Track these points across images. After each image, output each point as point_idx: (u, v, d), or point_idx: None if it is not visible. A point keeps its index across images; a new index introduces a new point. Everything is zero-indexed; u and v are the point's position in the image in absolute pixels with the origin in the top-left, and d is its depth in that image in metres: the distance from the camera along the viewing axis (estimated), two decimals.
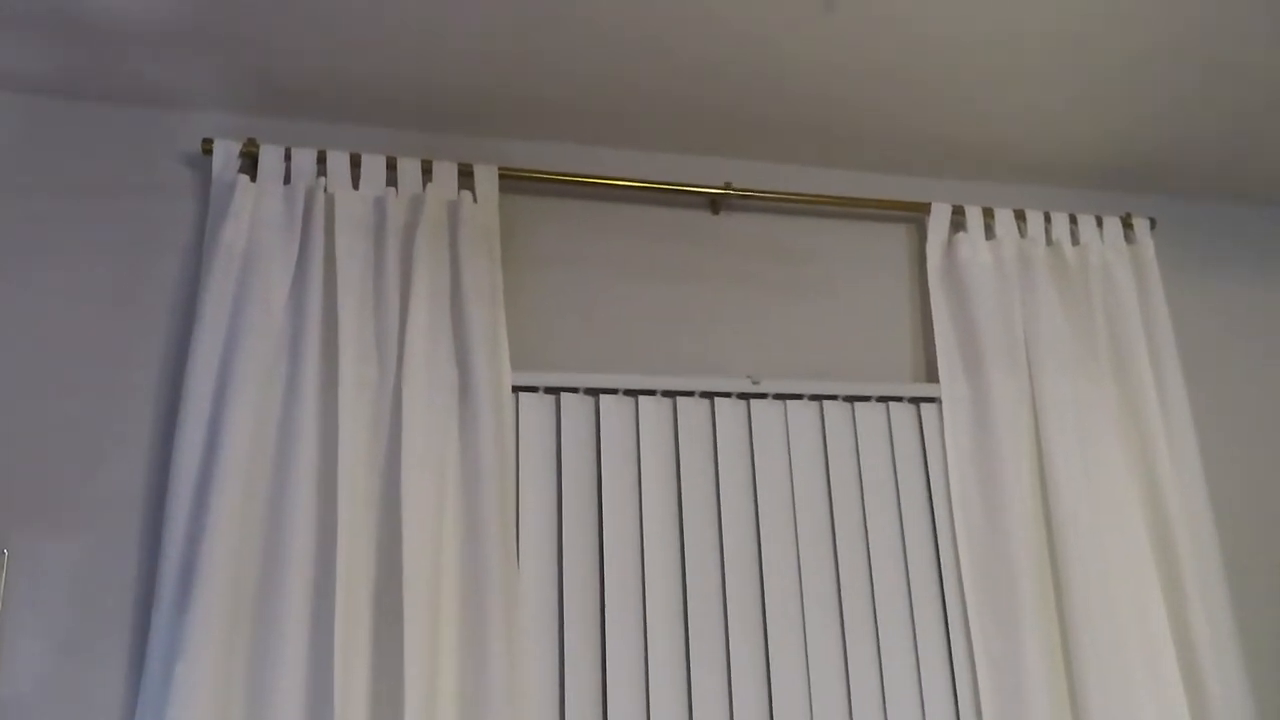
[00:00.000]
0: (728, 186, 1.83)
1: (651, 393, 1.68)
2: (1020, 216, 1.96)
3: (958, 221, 1.95)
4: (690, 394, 1.71)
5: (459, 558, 1.48)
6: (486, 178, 1.67)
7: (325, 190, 1.57)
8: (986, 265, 1.88)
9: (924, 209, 1.93)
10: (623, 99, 1.70)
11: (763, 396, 1.74)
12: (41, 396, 1.46)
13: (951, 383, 1.82)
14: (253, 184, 1.55)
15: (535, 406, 1.63)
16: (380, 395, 1.51)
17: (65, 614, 1.38)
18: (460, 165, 1.66)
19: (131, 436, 1.47)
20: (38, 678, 1.35)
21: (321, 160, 1.60)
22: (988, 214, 1.94)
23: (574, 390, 1.65)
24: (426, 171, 1.64)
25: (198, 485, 1.39)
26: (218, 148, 1.57)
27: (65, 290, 1.51)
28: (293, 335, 1.49)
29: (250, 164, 1.58)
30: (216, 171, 1.56)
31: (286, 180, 1.57)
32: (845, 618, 1.66)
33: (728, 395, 1.73)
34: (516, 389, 1.62)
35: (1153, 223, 2.04)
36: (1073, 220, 2.00)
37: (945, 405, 1.80)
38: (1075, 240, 2.00)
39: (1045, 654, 1.65)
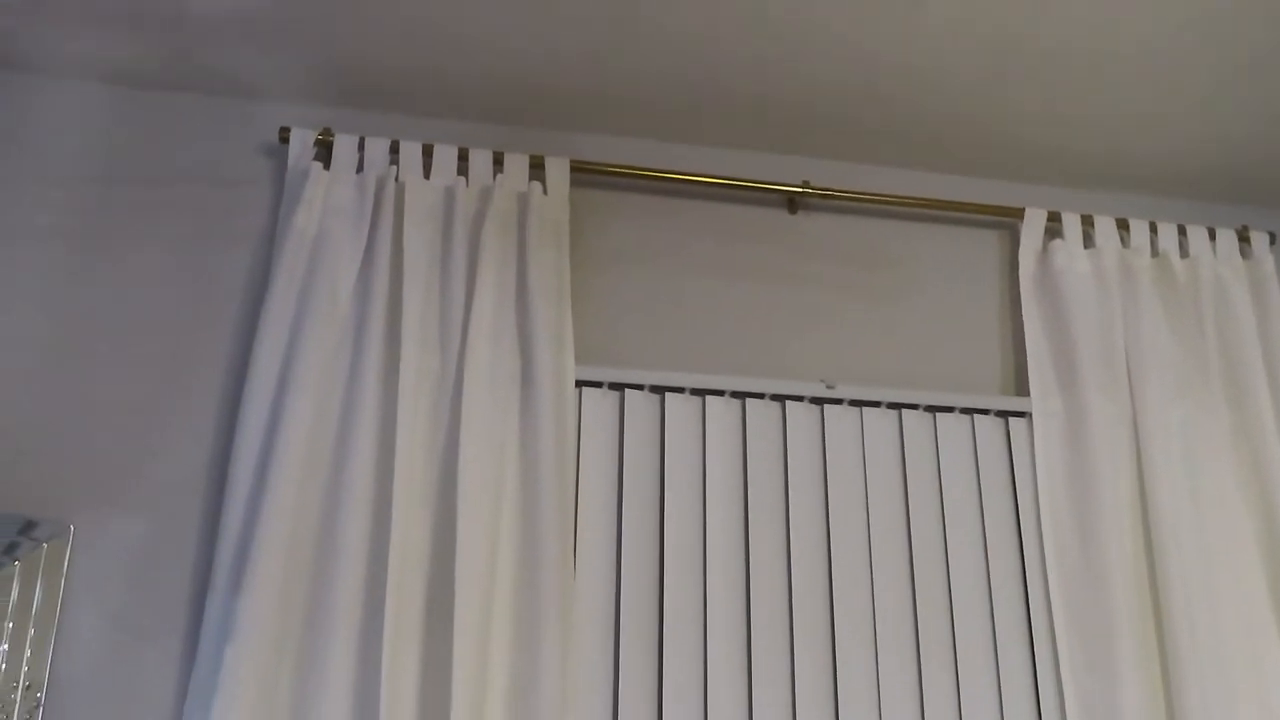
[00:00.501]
0: (806, 185, 1.76)
1: (720, 393, 1.62)
2: (1123, 225, 1.84)
3: (1053, 228, 1.84)
4: (760, 396, 1.63)
5: (514, 553, 1.43)
6: (558, 170, 1.64)
7: (396, 179, 1.57)
8: (1085, 275, 1.76)
9: (1017, 214, 1.82)
10: (699, 95, 1.66)
11: (838, 402, 1.66)
12: (112, 377, 1.48)
13: (1044, 397, 1.70)
14: (326, 172, 1.55)
15: (599, 402, 1.58)
16: (441, 385, 1.48)
17: (123, 592, 1.39)
18: (531, 157, 1.64)
19: (196, 419, 1.48)
20: (95, 653, 1.36)
21: (394, 150, 1.60)
22: (1086, 221, 1.82)
23: (639, 387, 1.60)
24: (497, 163, 1.63)
25: (257, 470, 1.39)
26: (294, 136, 1.58)
27: (145, 274, 1.54)
28: (357, 322, 1.48)
29: (325, 153, 1.59)
30: (292, 160, 1.57)
31: (359, 169, 1.58)
32: (921, 643, 1.55)
33: (800, 399, 1.65)
34: (580, 384, 1.58)
35: (1272, 237, 1.89)
36: (1181, 232, 1.86)
37: (1036, 420, 1.68)
38: (1184, 253, 1.86)
39: (1144, 697, 1.51)
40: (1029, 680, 1.57)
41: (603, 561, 1.51)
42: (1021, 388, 1.77)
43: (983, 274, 1.84)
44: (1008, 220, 1.89)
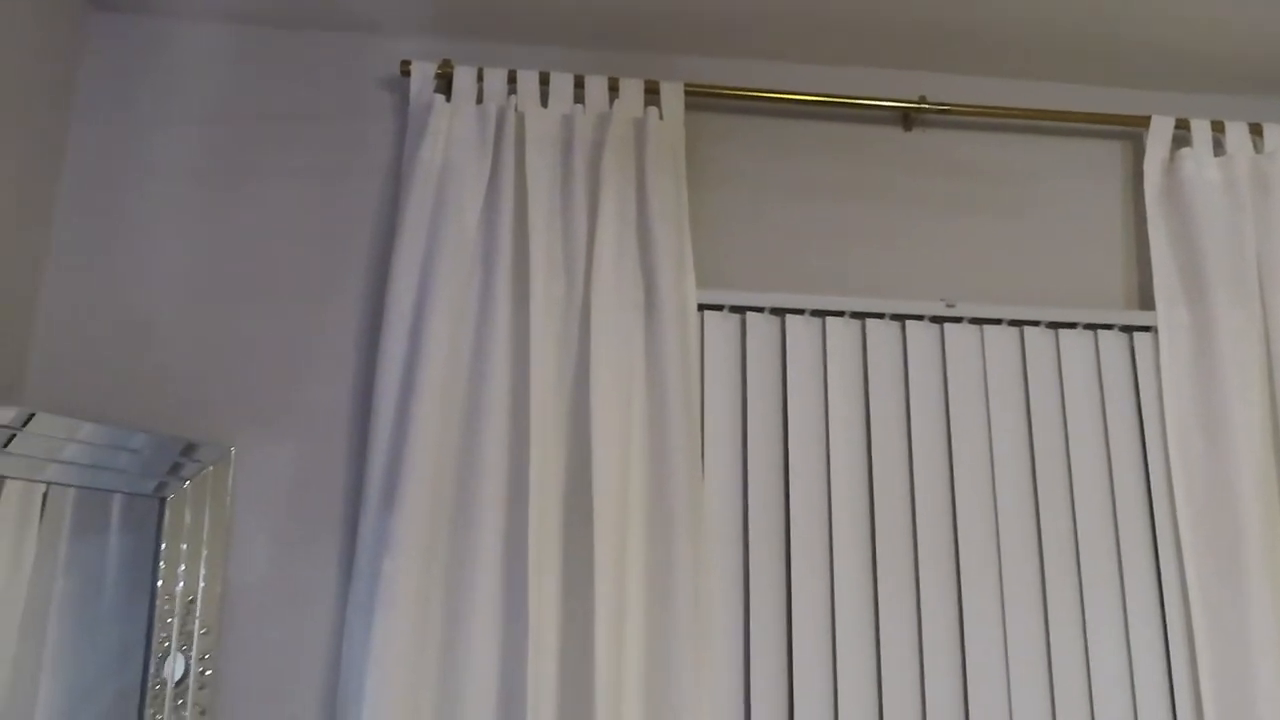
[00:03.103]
0: (922, 101, 1.73)
1: (839, 314, 1.63)
2: (1256, 131, 1.77)
3: (1181, 136, 1.77)
4: (880, 316, 1.64)
5: (645, 473, 1.49)
6: (673, 95, 1.64)
7: (515, 109, 1.59)
8: (1214, 184, 1.70)
9: (1142, 123, 1.76)
10: (811, 12, 1.63)
11: (958, 320, 1.65)
12: (258, 310, 1.55)
13: (1170, 310, 1.67)
14: (447, 104, 1.58)
15: (720, 325, 1.61)
16: (569, 310, 1.52)
17: (283, 510, 1.48)
18: (646, 83, 1.64)
19: (339, 347, 1.55)
20: (262, 568, 1.46)
21: (512, 80, 1.62)
22: (1216, 128, 1.76)
23: (759, 310, 1.61)
24: (613, 89, 1.63)
25: (400, 395, 1.45)
26: (415, 70, 1.61)
27: (280, 209, 1.60)
28: (485, 251, 1.53)
29: (445, 85, 1.61)
30: (414, 93, 1.60)
31: (479, 100, 1.60)
32: (1045, 558, 1.56)
33: (920, 318, 1.65)
34: (702, 307, 1.60)
35: None
36: None
37: (1162, 334, 1.65)
38: None
39: (1273, 605, 1.51)
40: (1154, 593, 1.57)
41: (730, 480, 1.55)
42: (1146, 302, 1.73)
43: (1106, 186, 1.79)
44: (1132, 130, 1.83)
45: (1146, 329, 1.68)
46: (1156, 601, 1.57)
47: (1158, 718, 1.52)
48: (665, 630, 1.41)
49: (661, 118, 1.63)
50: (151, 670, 1.36)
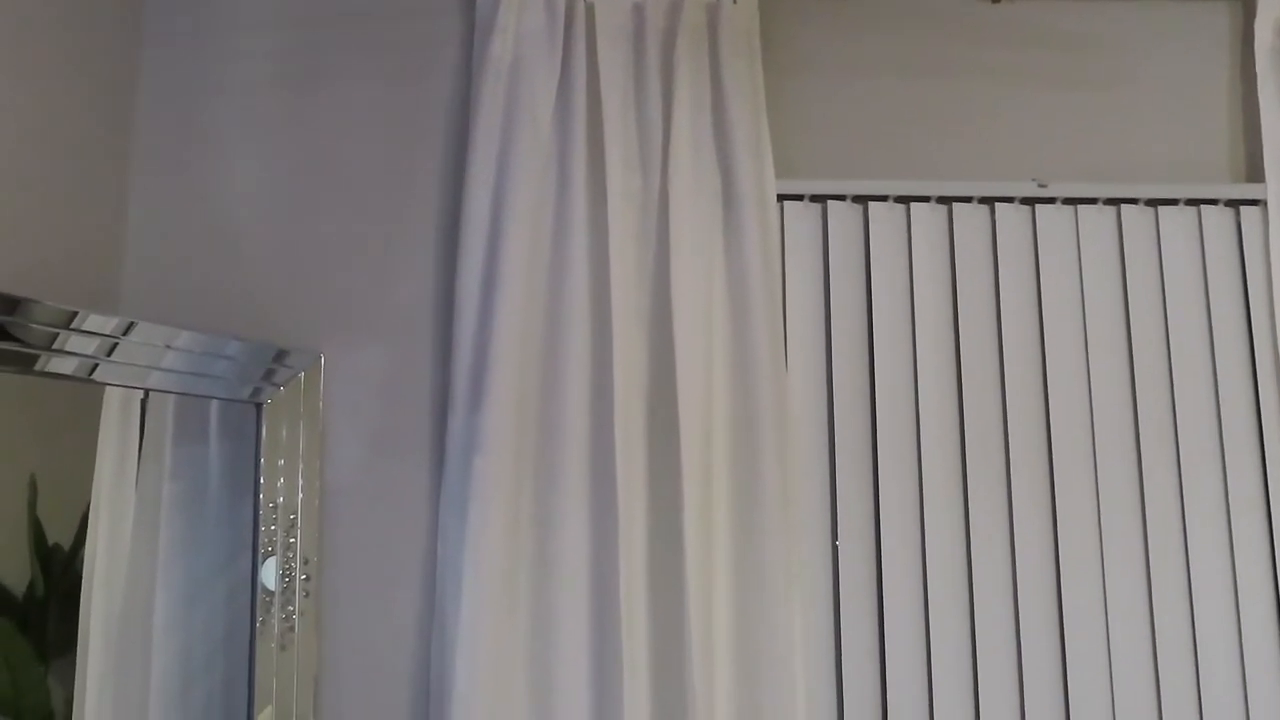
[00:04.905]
0: None
1: (925, 199, 1.57)
2: None
3: None
4: (968, 200, 1.58)
5: (728, 366, 1.47)
6: None
7: (585, 1, 1.55)
8: None
9: None
10: None
11: (1050, 201, 1.58)
12: (338, 215, 1.56)
13: None
14: None
15: (801, 215, 1.57)
16: (646, 205, 1.50)
17: (374, 413, 1.51)
18: None
19: (419, 249, 1.55)
20: (355, 469, 1.49)
21: None
22: None
23: (841, 198, 1.57)
24: None
25: (482, 295, 1.46)
26: None
27: (353, 112, 1.59)
28: (560, 146, 1.50)
29: None
30: None
31: None
32: (1143, 452, 1.52)
33: (1010, 200, 1.58)
34: (781, 197, 1.56)
35: None
36: None
37: (1272, 206, 1.56)
38: None
39: None
40: (1259, 485, 1.52)
41: (813, 373, 1.53)
42: (1255, 174, 1.64)
43: (1209, 52, 1.68)
44: None
45: (1255, 202, 1.59)
46: (1261, 494, 1.51)
47: (1261, 614, 1.48)
48: (753, 524, 1.42)
49: (735, 1, 1.57)
50: (259, 571, 1.41)
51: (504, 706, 1.36)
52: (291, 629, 1.41)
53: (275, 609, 1.41)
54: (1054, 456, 1.51)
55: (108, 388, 1.28)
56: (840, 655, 1.46)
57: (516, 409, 1.42)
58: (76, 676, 1.22)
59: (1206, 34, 1.69)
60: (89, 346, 1.23)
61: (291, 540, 1.43)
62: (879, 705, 1.45)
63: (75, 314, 1.21)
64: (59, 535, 1.22)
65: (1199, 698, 1.45)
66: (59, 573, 1.21)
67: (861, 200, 1.57)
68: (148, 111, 1.58)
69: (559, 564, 1.40)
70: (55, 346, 1.20)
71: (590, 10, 1.55)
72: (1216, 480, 1.52)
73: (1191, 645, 1.47)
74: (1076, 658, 1.45)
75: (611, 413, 1.41)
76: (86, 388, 1.26)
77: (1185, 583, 1.49)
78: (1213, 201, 1.59)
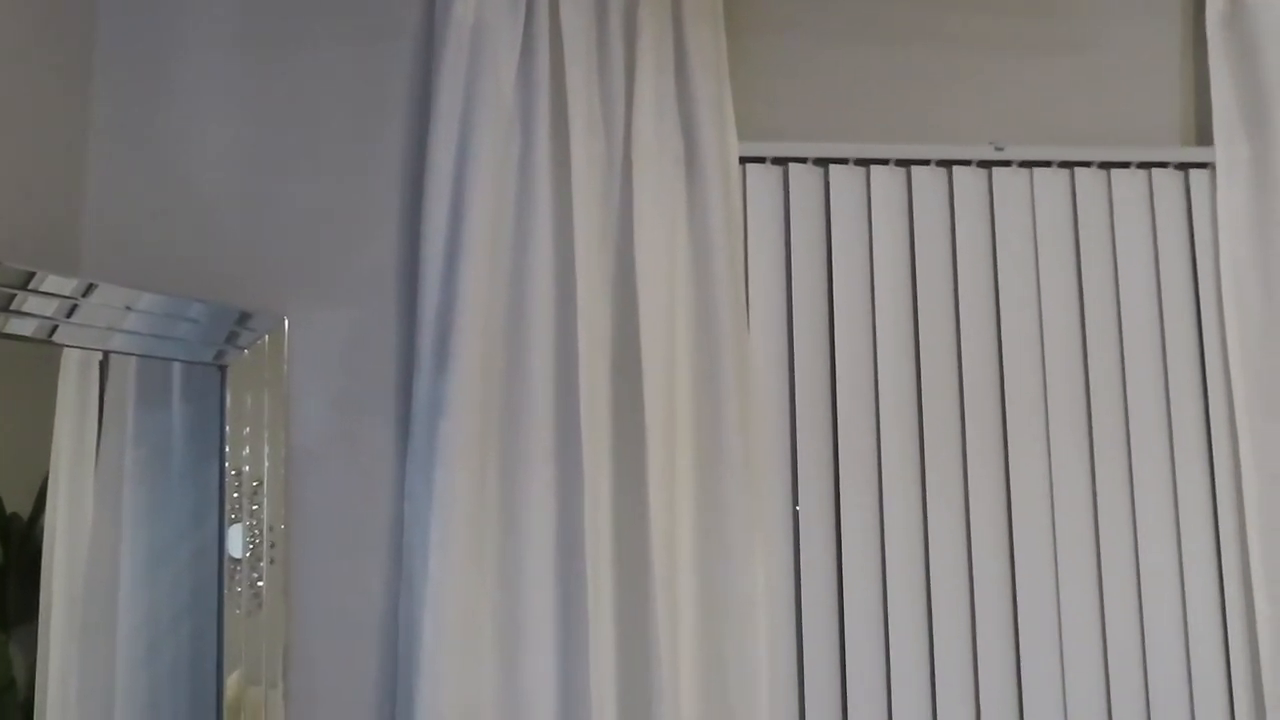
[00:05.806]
0: None
1: (884, 162, 1.60)
2: None
3: None
4: (926, 163, 1.60)
5: (691, 327, 1.49)
6: None
7: None
8: None
9: None
10: None
11: (1006, 164, 1.61)
12: (301, 177, 1.55)
13: (1229, 144, 1.61)
14: None
15: (763, 177, 1.58)
16: (609, 168, 1.51)
17: (339, 376, 1.51)
18: None
19: (383, 212, 1.55)
20: (320, 433, 1.50)
21: None
22: None
23: (802, 160, 1.59)
24: None
25: (446, 259, 1.46)
26: None
27: (317, 73, 1.58)
28: (523, 109, 1.50)
29: None
30: None
31: None
32: (1093, 408, 1.56)
33: (967, 163, 1.61)
34: (744, 160, 1.58)
35: None
36: None
37: (1220, 169, 1.60)
38: None
39: None
40: (1203, 447, 1.56)
41: (774, 333, 1.56)
42: (1204, 138, 1.68)
43: (1162, 18, 1.71)
44: None
45: (1203, 165, 1.63)
46: (1206, 456, 1.56)
47: (1204, 576, 1.53)
48: (716, 484, 1.44)
49: None
50: (225, 532, 1.41)
51: (472, 660, 1.38)
52: (258, 596, 1.42)
53: (243, 577, 1.41)
54: (1007, 414, 1.55)
55: (65, 351, 1.27)
56: (800, 605, 1.49)
57: (482, 371, 1.43)
58: (39, 644, 1.21)
59: (1160, 1, 1.72)
60: (48, 308, 1.22)
61: (255, 508, 1.43)
62: (838, 659, 1.49)
63: (33, 275, 1.20)
64: (17, 505, 1.21)
65: (1144, 660, 1.51)
66: (18, 542, 1.21)
67: (822, 163, 1.59)
68: (107, 70, 1.55)
69: (525, 523, 1.42)
70: (13, 308, 1.19)
71: None
72: (1163, 436, 1.57)
73: (1135, 582, 1.52)
74: (1028, 603, 1.50)
75: (576, 374, 1.42)
76: (42, 351, 1.25)
77: (1131, 536, 1.54)
78: (1163, 165, 1.63)
